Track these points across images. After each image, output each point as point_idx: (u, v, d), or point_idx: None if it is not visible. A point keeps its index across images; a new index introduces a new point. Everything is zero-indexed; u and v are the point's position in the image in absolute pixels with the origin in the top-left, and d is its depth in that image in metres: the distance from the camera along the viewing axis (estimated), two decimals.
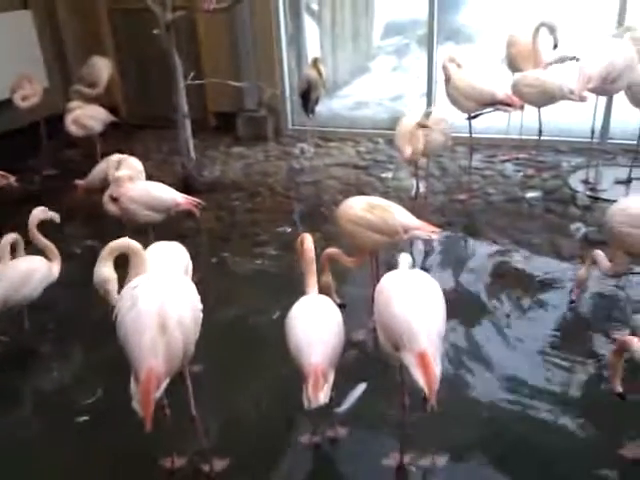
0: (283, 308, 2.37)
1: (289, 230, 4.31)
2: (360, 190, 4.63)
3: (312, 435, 2.50)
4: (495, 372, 2.83)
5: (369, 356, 2.98)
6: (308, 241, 2.58)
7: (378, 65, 7.24)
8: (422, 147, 3.69)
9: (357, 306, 3.11)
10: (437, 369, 2.00)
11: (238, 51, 5.90)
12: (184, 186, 4.62)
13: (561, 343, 3.01)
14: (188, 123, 4.82)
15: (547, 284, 3.48)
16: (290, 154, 5.65)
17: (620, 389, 2.25)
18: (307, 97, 5.38)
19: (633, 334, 2.47)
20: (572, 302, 3.21)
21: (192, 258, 2.77)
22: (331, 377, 2.16)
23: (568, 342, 3.02)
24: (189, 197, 3.66)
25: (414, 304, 2.11)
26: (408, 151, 3.66)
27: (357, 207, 3.02)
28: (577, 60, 4.09)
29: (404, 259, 2.44)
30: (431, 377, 1.97)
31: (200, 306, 2.20)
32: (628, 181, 4.38)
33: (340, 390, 2.43)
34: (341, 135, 5.89)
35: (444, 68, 4.23)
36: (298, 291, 2.43)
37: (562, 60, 4.30)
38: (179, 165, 5.00)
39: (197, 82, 4.82)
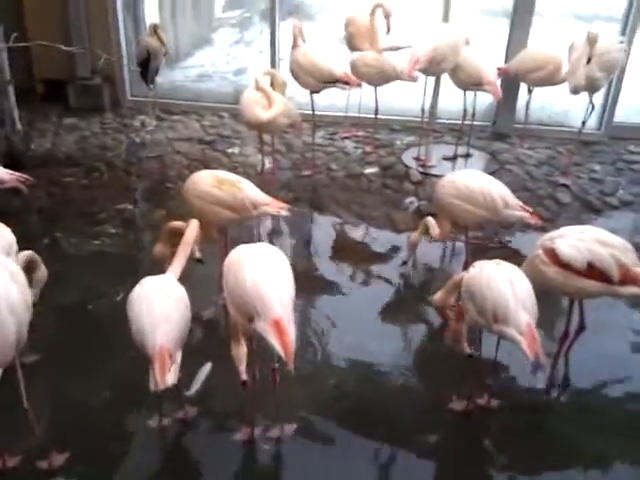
0: (126, 290, 2.28)
1: (130, 207, 4.12)
2: (206, 165, 4.55)
3: (160, 418, 2.45)
4: (338, 341, 2.98)
5: (218, 334, 2.98)
6: (193, 226, 2.53)
7: (220, 37, 7.08)
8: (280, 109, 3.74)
9: (206, 284, 3.08)
10: (292, 334, 2.06)
11: (67, 13, 5.42)
12: (9, 161, 4.19)
13: (398, 309, 3.25)
14: (11, 90, 4.36)
15: (384, 255, 3.71)
16: (130, 127, 5.36)
17: (468, 350, 2.47)
18: (146, 66, 5.13)
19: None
20: (404, 263, 3.45)
21: (19, 239, 2.53)
22: (178, 357, 2.14)
23: (403, 308, 3.26)
24: (15, 173, 3.33)
25: (263, 274, 2.14)
26: (264, 114, 3.70)
27: (204, 182, 2.97)
28: (409, 47, 4.37)
29: None
30: (287, 342, 2.02)
31: (29, 291, 2.04)
32: (454, 158, 4.78)
33: (189, 370, 2.41)
34: (184, 108, 5.71)
35: (294, 37, 4.28)
36: (141, 271, 2.35)
37: (397, 48, 4.56)
38: (2, 138, 4.52)
39: (20, 45, 4.36)
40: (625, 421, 2.62)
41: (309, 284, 3.35)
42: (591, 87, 4.14)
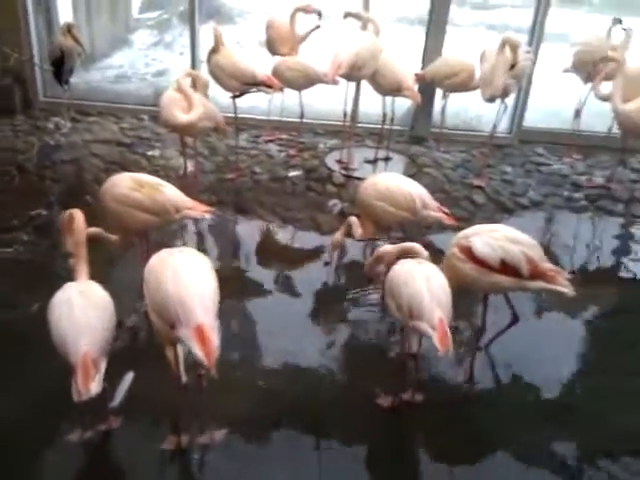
0: (43, 300, 2.19)
1: (45, 213, 3.95)
2: (125, 169, 4.41)
3: (83, 431, 2.36)
4: (265, 343, 2.99)
5: (141, 341, 2.91)
6: (78, 219, 2.40)
7: (139, 39, 6.93)
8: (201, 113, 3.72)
9: (128, 290, 3.00)
10: (215, 340, 2.04)
11: None
12: None
13: (323, 310, 3.29)
14: None
15: (309, 256, 3.75)
16: (43, 129, 5.13)
17: (414, 349, 2.55)
18: (60, 66, 4.94)
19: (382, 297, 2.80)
20: (327, 264, 3.49)
21: None
22: (103, 366, 2.08)
23: (328, 308, 3.31)
24: None
25: (185, 279, 2.11)
26: (183, 117, 3.66)
27: (123, 185, 2.89)
28: (320, 16, 4.59)
29: None
30: (210, 349, 2.00)
31: None
32: (375, 161, 4.91)
33: (112, 380, 2.34)
34: (101, 110, 5.53)
35: (215, 40, 4.26)
36: (58, 279, 2.26)
37: (311, 31, 4.71)
38: None
39: None
40: (542, 407, 2.76)
41: (235, 288, 3.33)
42: (503, 93, 4.37)
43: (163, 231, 3.57)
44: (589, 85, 4.71)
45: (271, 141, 5.18)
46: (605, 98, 4.42)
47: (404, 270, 2.47)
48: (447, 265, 2.66)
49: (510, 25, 5.89)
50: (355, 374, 2.86)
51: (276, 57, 4.75)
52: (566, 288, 2.54)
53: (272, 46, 4.83)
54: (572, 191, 4.65)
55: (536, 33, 5.04)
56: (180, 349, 2.20)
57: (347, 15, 4.49)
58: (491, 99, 4.37)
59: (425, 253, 2.62)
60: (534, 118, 5.42)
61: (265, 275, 3.56)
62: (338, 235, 3.34)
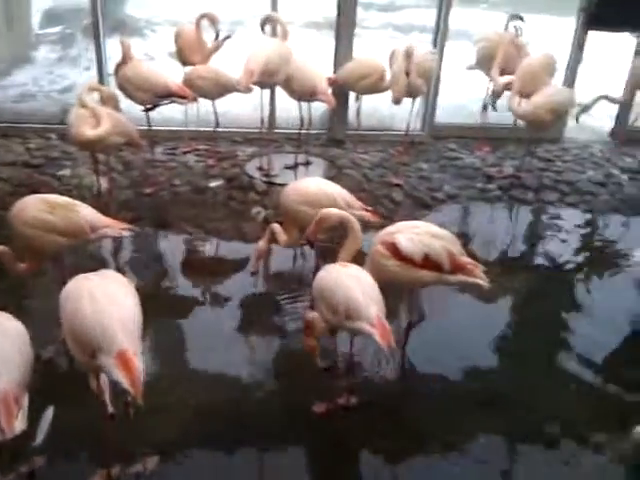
0: None
1: None
2: (35, 190, 4.16)
3: (3, 475, 2.21)
4: (195, 361, 2.93)
5: (59, 373, 2.78)
6: None
7: (42, 55, 6.64)
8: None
9: (42, 319, 2.85)
10: (140, 365, 1.97)
11: None
12: None
13: (252, 320, 3.26)
14: None
15: (236, 267, 3.71)
16: None
17: (323, 364, 2.54)
18: None
19: (312, 307, 2.82)
20: (253, 273, 3.44)
21: None
22: (25, 401, 1.97)
23: (258, 318, 3.29)
24: None
25: (104, 304, 2.04)
26: (90, 133, 3.57)
27: (33, 208, 2.76)
28: (229, 37, 4.65)
29: None
30: (135, 375, 1.93)
31: None
32: (295, 166, 4.93)
33: (31, 416, 2.21)
34: (5, 130, 5.25)
35: (123, 53, 4.16)
36: None
37: (222, 41, 4.70)
38: None
39: None
40: (470, 399, 2.83)
41: (161, 305, 3.24)
42: (413, 94, 4.51)
43: (79, 253, 3.43)
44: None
45: (189, 152, 5.09)
46: (502, 92, 4.63)
47: (332, 274, 2.49)
48: (371, 263, 2.70)
49: (415, 25, 6.07)
50: (288, 383, 2.85)
51: (187, 67, 4.68)
52: (482, 280, 2.66)
53: (182, 56, 4.77)
54: (485, 182, 4.84)
55: (440, 32, 5.22)
56: (104, 378, 2.11)
57: (265, 20, 4.47)
58: (397, 102, 4.51)
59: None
60: (445, 114, 5.61)
61: (191, 290, 3.50)
62: (261, 243, 3.32)
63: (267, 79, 4.28)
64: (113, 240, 3.75)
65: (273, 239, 3.30)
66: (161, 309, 3.19)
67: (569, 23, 5.41)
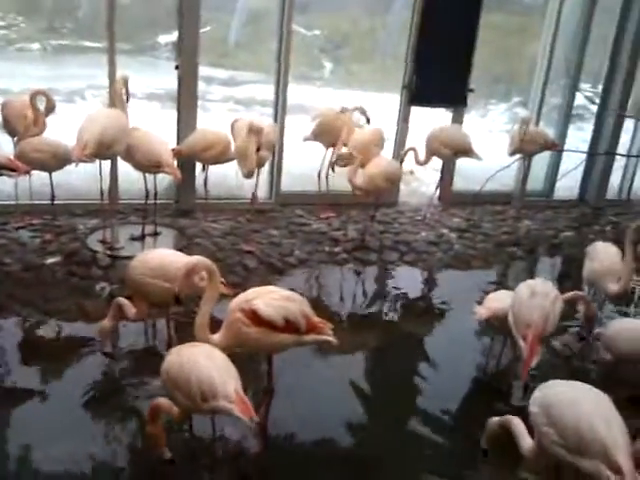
0: None
1: None
2: None
3: None
4: (38, 452, 2.66)
5: None
6: None
7: None
8: None
9: None
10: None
11: None
12: None
13: (101, 404, 3.03)
14: None
15: (81, 349, 3.44)
16: None
17: (168, 455, 2.43)
18: None
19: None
20: (105, 353, 3.26)
21: None
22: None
23: (108, 401, 3.07)
24: None
25: None
26: None
27: None
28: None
29: None
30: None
31: None
32: (142, 237, 4.76)
33: None
34: None
35: None
36: None
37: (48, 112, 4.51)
38: None
39: None
40: (336, 455, 2.90)
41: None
42: (258, 165, 4.65)
43: None
44: (330, 150, 5.28)
45: (22, 227, 4.71)
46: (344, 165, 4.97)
47: (184, 356, 2.43)
48: (230, 331, 2.67)
49: (256, 99, 6.31)
50: (136, 465, 2.67)
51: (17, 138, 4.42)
52: (331, 337, 2.78)
53: (9, 126, 4.51)
54: (332, 246, 5.06)
55: (279, 106, 5.48)
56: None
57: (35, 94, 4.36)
58: (248, 176, 4.62)
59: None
60: (290, 182, 5.83)
61: (31, 377, 3.17)
62: (106, 321, 3.16)
63: (104, 151, 4.17)
64: None
65: (121, 314, 3.14)
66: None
67: (395, 99, 5.98)
